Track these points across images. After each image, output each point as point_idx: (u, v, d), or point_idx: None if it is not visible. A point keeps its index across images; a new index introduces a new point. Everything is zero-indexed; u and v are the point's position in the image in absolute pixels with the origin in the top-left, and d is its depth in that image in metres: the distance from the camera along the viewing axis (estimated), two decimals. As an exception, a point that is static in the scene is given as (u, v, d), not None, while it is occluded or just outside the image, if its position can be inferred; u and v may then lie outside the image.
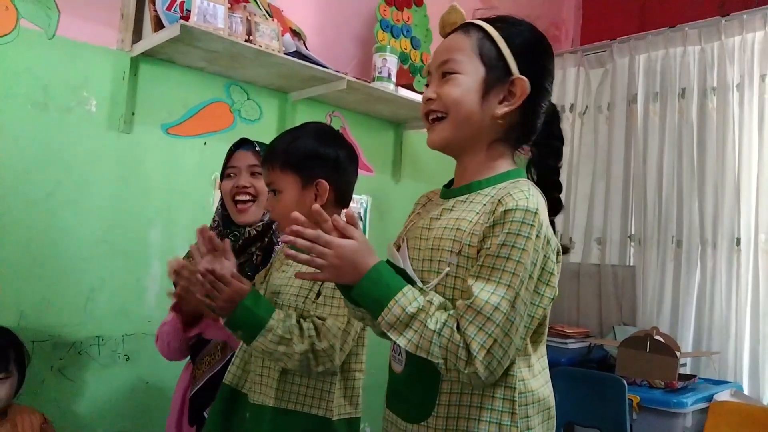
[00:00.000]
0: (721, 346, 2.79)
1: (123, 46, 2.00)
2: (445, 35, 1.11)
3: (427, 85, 1.10)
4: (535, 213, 0.95)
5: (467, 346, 0.90)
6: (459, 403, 0.99)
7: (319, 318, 1.22)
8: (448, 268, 1.00)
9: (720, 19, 2.92)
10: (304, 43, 2.40)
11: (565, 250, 1.10)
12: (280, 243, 1.54)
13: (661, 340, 2.56)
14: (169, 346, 1.58)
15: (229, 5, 1.98)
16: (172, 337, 1.56)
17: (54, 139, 1.86)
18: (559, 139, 1.13)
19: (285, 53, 2.14)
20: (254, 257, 1.54)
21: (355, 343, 1.28)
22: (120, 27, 2.00)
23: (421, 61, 2.76)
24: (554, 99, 1.13)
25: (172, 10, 1.96)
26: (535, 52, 1.07)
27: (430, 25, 2.84)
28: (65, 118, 1.89)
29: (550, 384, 1.07)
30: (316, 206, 0.97)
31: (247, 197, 1.57)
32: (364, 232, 2.64)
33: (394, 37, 2.69)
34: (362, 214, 2.70)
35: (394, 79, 2.47)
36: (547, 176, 1.11)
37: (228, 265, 1.27)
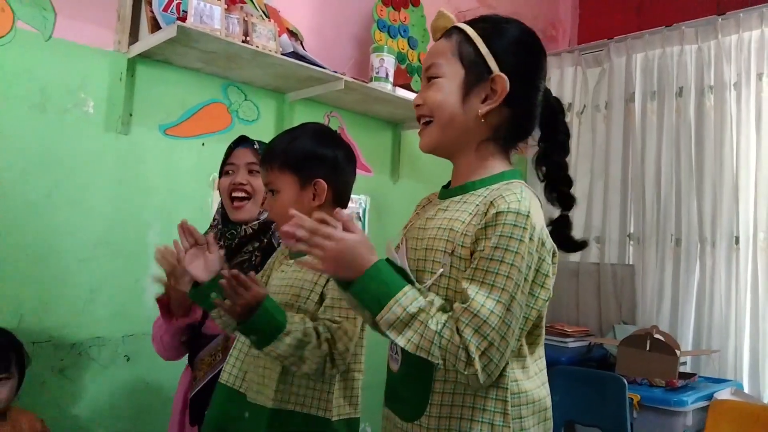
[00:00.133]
0: (721, 344, 2.79)
1: (120, 47, 2.00)
2: (436, 41, 1.12)
3: None
4: (527, 215, 0.95)
5: (466, 348, 0.90)
6: (452, 402, 0.99)
7: (331, 321, 1.21)
8: (441, 269, 1.00)
9: (717, 18, 2.93)
10: (302, 44, 2.40)
11: (583, 244, 1.11)
12: (280, 244, 1.54)
13: (661, 338, 2.56)
14: (161, 340, 1.58)
15: (226, 6, 1.98)
16: (163, 331, 1.56)
17: (52, 141, 1.86)
18: (565, 133, 1.13)
19: (282, 54, 2.14)
20: (253, 257, 1.54)
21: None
22: (117, 28, 2.00)
23: (419, 60, 2.77)
24: (552, 98, 1.13)
25: (168, 11, 1.96)
26: (518, 48, 1.07)
27: (427, 25, 2.84)
28: (63, 120, 1.89)
29: (547, 386, 1.07)
30: (320, 214, 0.97)
31: (243, 194, 1.58)
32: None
33: (392, 37, 2.69)
34: (361, 215, 2.70)
35: (391, 79, 2.48)
36: (555, 171, 1.11)
37: (212, 259, 1.26)
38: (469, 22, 1.09)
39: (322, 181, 1.30)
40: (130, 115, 2.02)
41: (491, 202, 0.97)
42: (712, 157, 2.92)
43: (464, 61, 1.05)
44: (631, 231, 3.20)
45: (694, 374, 2.65)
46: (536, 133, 1.13)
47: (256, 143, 1.61)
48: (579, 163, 3.37)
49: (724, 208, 2.86)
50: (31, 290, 1.81)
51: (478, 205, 1.01)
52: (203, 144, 2.20)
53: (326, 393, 1.25)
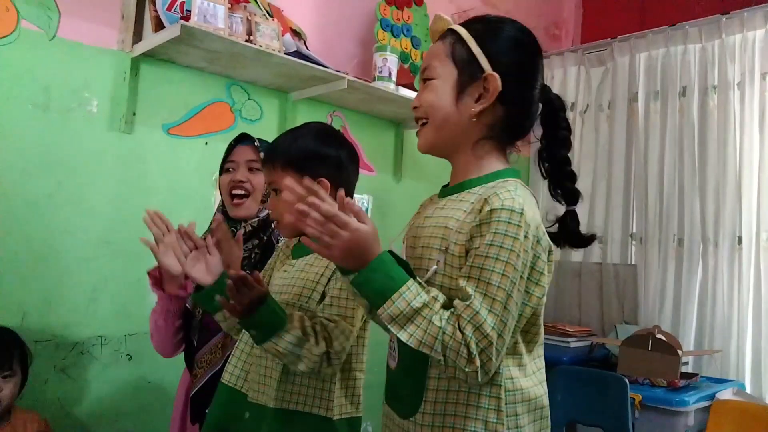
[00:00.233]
0: (723, 344, 2.79)
1: (123, 46, 2.00)
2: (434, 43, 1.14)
3: None
4: (521, 213, 0.95)
5: (468, 345, 0.91)
6: (446, 399, 1.00)
7: (328, 319, 1.22)
8: (435, 266, 1.01)
9: (721, 17, 2.92)
10: (305, 43, 2.40)
11: (592, 237, 1.11)
12: (280, 241, 1.54)
13: (663, 338, 2.56)
14: (156, 326, 1.56)
15: (230, 5, 1.99)
16: (157, 315, 1.55)
17: (55, 140, 1.87)
18: (566, 129, 1.13)
19: (285, 53, 2.14)
20: (253, 254, 1.54)
21: (355, 343, 1.28)
22: (120, 27, 2.01)
23: (422, 60, 2.76)
24: (555, 97, 1.13)
25: (172, 11, 1.97)
26: (511, 47, 1.07)
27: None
28: (66, 119, 1.89)
29: (544, 385, 1.07)
30: (342, 192, 0.96)
31: (243, 192, 1.58)
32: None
33: (395, 37, 2.69)
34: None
35: (394, 78, 2.48)
36: (558, 167, 1.12)
37: (214, 261, 1.26)
38: (464, 24, 1.10)
39: (325, 180, 1.30)
40: (134, 114, 2.02)
41: (485, 199, 0.98)
42: (715, 157, 2.92)
43: (457, 61, 1.07)
44: (634, 231, 3.20)
45: (696, 374, 2.65)
46: (538, 131, 1.13)
47: (257, 141, 1.62)
48: (582, 163, 3.36)
49: (727, 208, 2.85)
50: (34, 289, 1.82)
51: (472, 202, 1.02)
52: (206, 143, 2.20)
53: (328, 392, 1.24)
